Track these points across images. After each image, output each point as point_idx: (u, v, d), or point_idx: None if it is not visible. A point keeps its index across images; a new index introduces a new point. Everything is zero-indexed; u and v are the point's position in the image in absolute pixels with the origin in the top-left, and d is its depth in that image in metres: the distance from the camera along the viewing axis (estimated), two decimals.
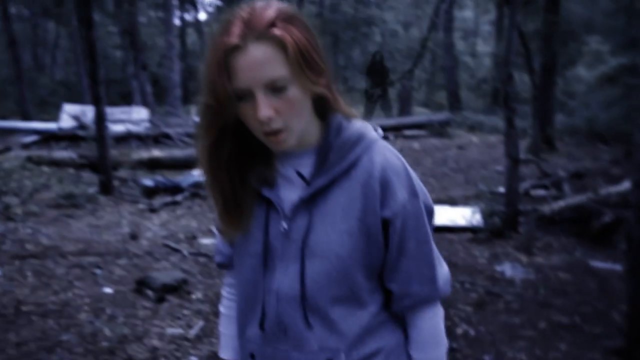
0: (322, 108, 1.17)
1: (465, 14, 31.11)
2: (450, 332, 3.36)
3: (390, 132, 13.42)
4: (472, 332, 3.41)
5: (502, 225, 5.54)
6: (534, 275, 4.44)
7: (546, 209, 6.03)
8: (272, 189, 1.17)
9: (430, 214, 1.20)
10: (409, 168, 1.16)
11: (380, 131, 1.21)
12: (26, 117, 14.86)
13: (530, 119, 10.88)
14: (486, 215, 5.85)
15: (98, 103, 7.61)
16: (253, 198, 1.18)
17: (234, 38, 1.04)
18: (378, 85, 16.32)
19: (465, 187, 8.11)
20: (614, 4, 17.89)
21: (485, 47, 29.29)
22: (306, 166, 1.16)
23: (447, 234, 5.81)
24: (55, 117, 14.45)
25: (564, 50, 17.67)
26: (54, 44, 25.44)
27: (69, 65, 25.59)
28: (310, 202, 1.13)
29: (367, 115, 15.37)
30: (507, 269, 4.57)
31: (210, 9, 31.53)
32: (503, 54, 6.42)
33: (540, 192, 7.36)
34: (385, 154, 1.15)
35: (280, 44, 1.04)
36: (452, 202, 7.12)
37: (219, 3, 29.17)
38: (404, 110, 15.78)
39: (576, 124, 12.86)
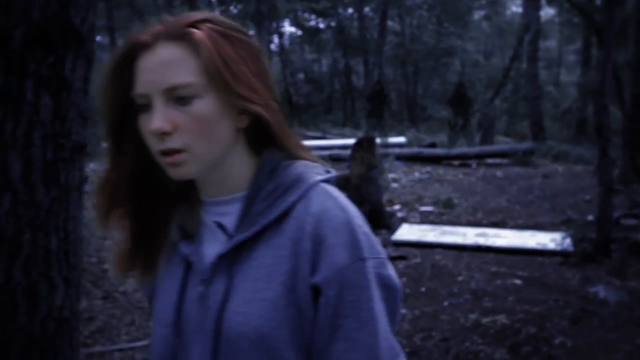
0: (261, 144, 0.95)
1: (549, 44, 30.73)
2: (547, 341, 3.59)
3: (473, 160, 13.57)
4: (569, 343, 3.61)
5: (594, 250, 5.64)
6: (628, 297, 4.55)
7: (639, 236, 6.07)
8: (192, 243, 0.96)
9: (388, 288, 0.92)
10: (357, 222, 0.90)
11: (332, 173, 0.97)
12: None
13: (619, 150, 10.78)
14: (577, 241, 5.96)
15: None
16: (173, 252, 0.98)
17: (144, 35, 0.88)
18: (460, 115, 16.58)
19: (552, 214, 8.18)
20: None
21: (569, 76, 28.82)
22: (231, 215, 0.94)
23: (536, 257, 5.97)
24: None
25: None
26: None
27: None
28: (231, 261, 0.91)
29: (450, 144, 15.58)
30: (601, 290, 4.70)
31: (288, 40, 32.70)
32: (597, 85, 6.56)
33: (631, 221, 7.35)
34: (325, 202, 0.90)
35: (194, 45, 0.86)
36: (540, 227, 7.24)
37: (299, 32, 30.29)
38: (487, 139, 15.84)
39: None
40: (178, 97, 0.85)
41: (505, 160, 13.77)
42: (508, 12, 32.64)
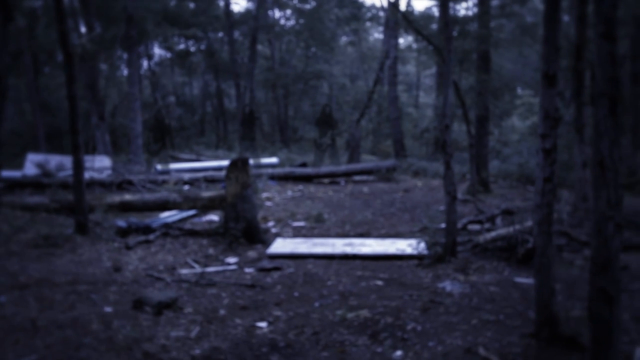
0: None
1: (408, 69, 32.98)
2: (401, 327, 4.20)
3: (342, 177, 14.43)
4: (419, 327, 4.25)
5: (443, 252, 6.45)
6: (469, 289, 5.33)
7: (480, 238, 7.00)
8: None
9: None
10: None
11: None
12: None
13: (468, 165, 12.08)
14: (430, 245, 6.76)
15: (77, 151, 8.25)
16: None
17: None
18: (327, 135, 17.53)
19: (411, 224, 9.06)
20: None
21: (426, 98, 31.10)
22: None
23: (396, 261, 6.69)
24: (10, 166, 14.84)
25: (497, 103, 19.25)
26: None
27: (21, 116, 25.80)
28: None
29: (317, 163, 16.38)
30: (447, 285, 5.46)
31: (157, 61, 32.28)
32: (441, 106, 7.47)
33: (476, 226, 8.37)
34: None
35: None
36: (400, 236, 8.04)
37: (168, 55, 30.06)
38: (353, 158, 16.84)
39: (509, 169, 14.17)
40: None
41: (371, 177, 14.80)
42: (371, 39, 34.65)
